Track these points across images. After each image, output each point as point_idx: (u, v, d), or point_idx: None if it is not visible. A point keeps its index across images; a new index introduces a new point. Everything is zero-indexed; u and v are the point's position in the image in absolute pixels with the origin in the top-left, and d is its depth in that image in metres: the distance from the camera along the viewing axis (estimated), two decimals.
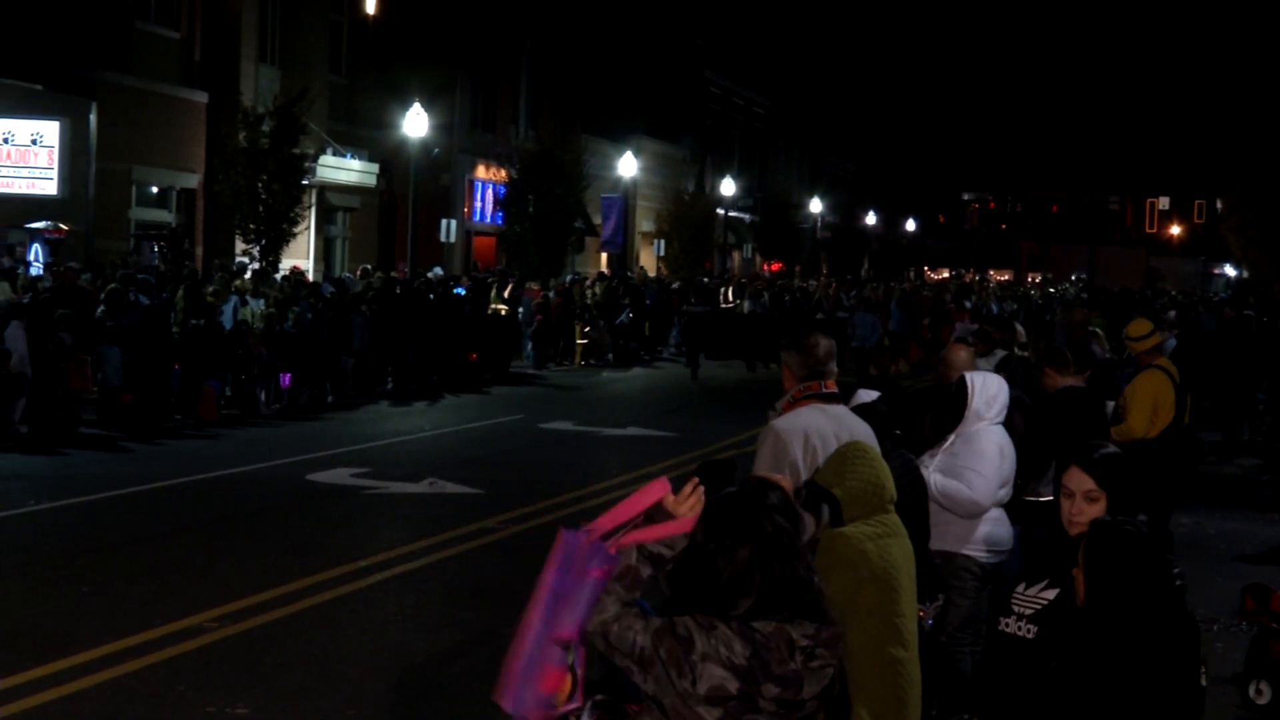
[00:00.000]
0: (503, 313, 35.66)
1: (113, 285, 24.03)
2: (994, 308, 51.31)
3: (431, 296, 33.78)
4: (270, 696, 10.23)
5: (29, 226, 29.95)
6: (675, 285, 50.32)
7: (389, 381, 31.24)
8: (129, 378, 23.21)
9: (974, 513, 9.32)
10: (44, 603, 12.51)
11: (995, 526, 9.48)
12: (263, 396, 26.28)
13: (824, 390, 7.49)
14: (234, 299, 27.91)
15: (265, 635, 11.73)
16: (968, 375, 9.74)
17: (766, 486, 4.80)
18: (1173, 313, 35.74)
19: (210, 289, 27.52)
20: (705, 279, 54.50)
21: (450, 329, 32.62)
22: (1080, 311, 18.04)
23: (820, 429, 7.31)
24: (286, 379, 27.07)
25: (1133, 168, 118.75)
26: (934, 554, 9.19)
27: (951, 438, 9.54)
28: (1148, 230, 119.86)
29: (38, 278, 26.59)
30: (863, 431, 7.46)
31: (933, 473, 9.30)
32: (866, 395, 8.75)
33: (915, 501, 8.28)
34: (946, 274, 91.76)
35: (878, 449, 7.01)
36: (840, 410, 7.53)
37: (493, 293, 36.02)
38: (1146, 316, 18.60)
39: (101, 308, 23.58)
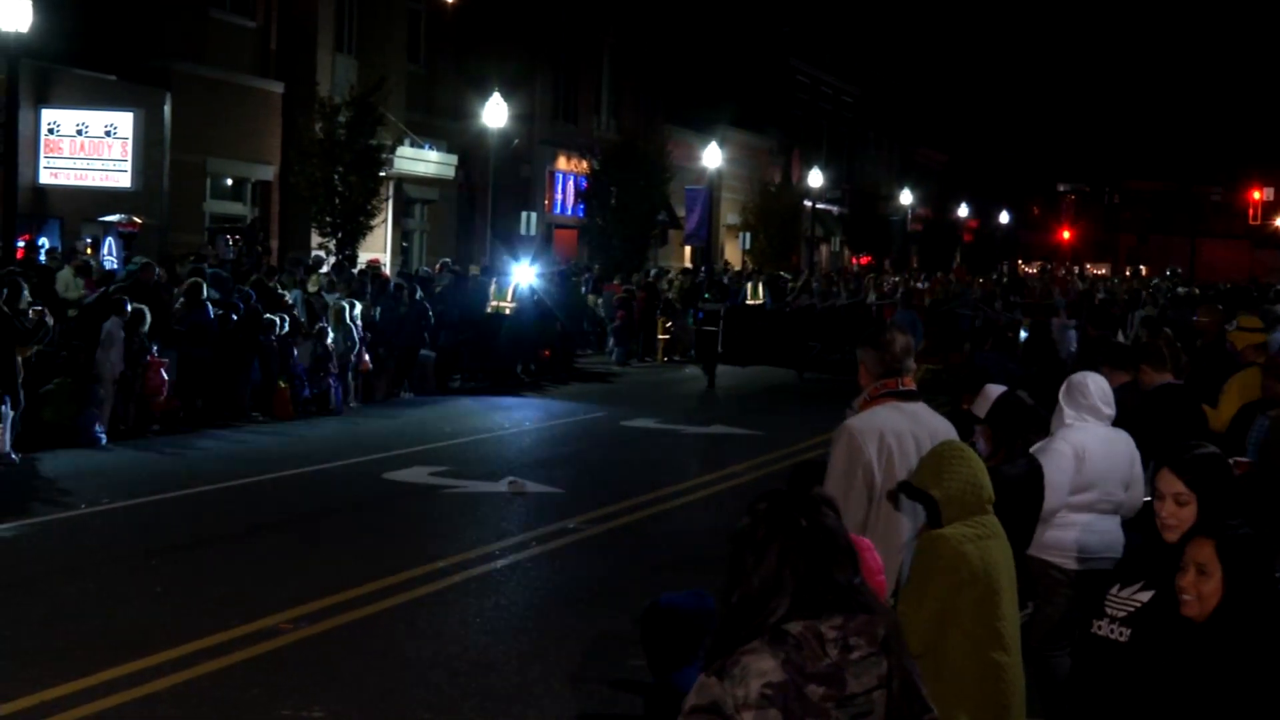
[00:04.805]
0: (506, 311, 33.18)
1: (191, 280, 23.82)
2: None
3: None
4: (346, 700, 10.13)
5: (102, 220, 29.90)
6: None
7: (457, 378, 30.62)
8: (200, 376, 23.04)
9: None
10: (117, 603, 12.42)
11: (1071, 532, 9.21)
12: (339, 393, 25.88)
13: (901, 388, 7.33)
14: (297, 292, 27.45)
15: (342, 637, 11.61)
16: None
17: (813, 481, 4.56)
18: None
19: (276, 282, 27.09)
20: (709, 270, 50.56)
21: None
22: (1214, 309, 17.57)
23: (896, 428, 7.17)
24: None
25: (1236, 158, 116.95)
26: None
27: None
28: (1251, 223, 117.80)
29: (111, 272, 26.41)
30: (944, 429, 7.32)
31: None
32: (995, 390, 8.68)
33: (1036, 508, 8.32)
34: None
35: (968, 447, 6.86)
36: (918, 408, 7.37)
37: (493, 289, 33.49)
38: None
39: (180, 302, 23.40)
